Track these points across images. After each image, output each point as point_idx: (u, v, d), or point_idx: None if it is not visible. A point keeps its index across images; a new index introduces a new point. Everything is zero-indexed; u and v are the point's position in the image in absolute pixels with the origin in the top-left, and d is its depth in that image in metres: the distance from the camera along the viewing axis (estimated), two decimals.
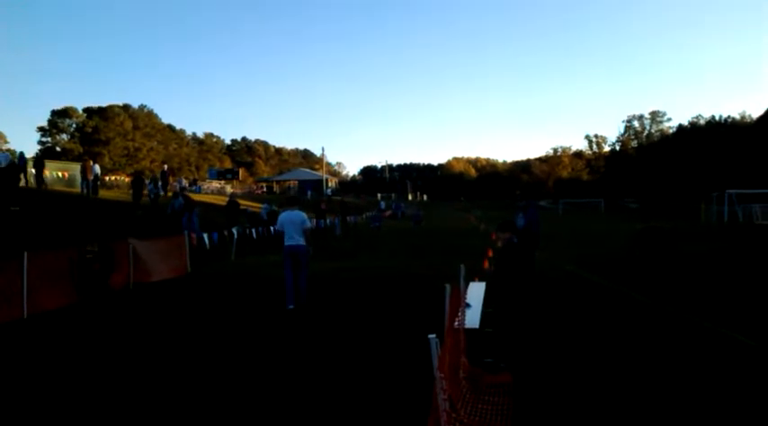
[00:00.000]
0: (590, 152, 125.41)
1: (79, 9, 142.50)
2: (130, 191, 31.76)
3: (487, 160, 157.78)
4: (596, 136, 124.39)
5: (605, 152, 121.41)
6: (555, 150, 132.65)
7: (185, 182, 33.17)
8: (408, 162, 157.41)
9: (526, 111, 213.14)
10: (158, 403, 6.12)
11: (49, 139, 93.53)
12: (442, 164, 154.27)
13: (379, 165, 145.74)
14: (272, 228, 26.78)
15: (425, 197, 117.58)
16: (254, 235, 25.73)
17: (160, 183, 34.91)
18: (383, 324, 9.65)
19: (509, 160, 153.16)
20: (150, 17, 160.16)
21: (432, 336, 3.35)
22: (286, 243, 11.22)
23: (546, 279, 13.66)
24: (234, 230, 22.80)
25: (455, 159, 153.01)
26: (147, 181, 24.06)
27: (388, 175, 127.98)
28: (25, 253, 11.20)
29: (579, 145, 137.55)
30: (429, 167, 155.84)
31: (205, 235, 20.44)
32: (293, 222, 11.32)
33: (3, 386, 6.85)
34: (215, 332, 9.43)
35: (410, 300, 11.79)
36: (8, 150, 79.79)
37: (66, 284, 12.25)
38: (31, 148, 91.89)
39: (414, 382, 6.24)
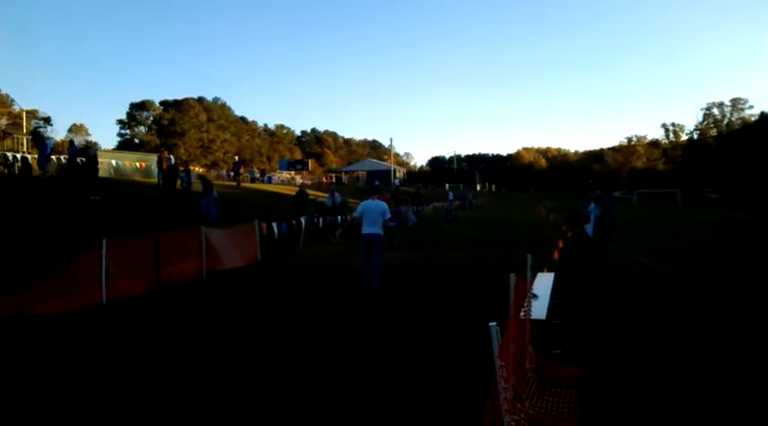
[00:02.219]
0: (666, 141, 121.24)
1: (155, 6, 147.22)
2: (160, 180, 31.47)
3: (558, 150, 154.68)
4: (673, 124, 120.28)
5: (683, 141, 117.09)
6: (629, 139, 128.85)
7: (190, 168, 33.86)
8: (477, 152, 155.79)
9: (599, 100, 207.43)
10: (235, 386, 6.27)
11: (128, 132, 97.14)
12: (511, 153, 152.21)
13: (447, 156, 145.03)
14: (339, 217, 27.09)
15: (494, 187, 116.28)
16: (321, 224, 26.04)
17: (233, 173, 35.83)
18: (450, 313, 9.66)
19: (580, 150, 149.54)
20: (224, 12, 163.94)
21: (492, 324, 3.30)
22: (364, 231, 11.43)
23: (618, 272, 13.29)
24: (302, 219, 23.12)
25: (525, 149, 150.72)
26: (180, 170, 24.51)
27: (456, 165, 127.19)
28: (104, 240, 11.66)
29: (654, 134, 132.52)
30: (498, 157, 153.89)
31: (274, 225, 20.79)
32: (374, 211, 11.54)
33: (77, 365, 7.17)
34: (289, 318, 9.61)
35: (476, 290, 11.74)
36: (88, 142, 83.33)
37: (142, 271, 12.69)
38: (111, 140, 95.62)
39: (475, 370, 6.18)
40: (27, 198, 18.96)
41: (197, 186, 26.78)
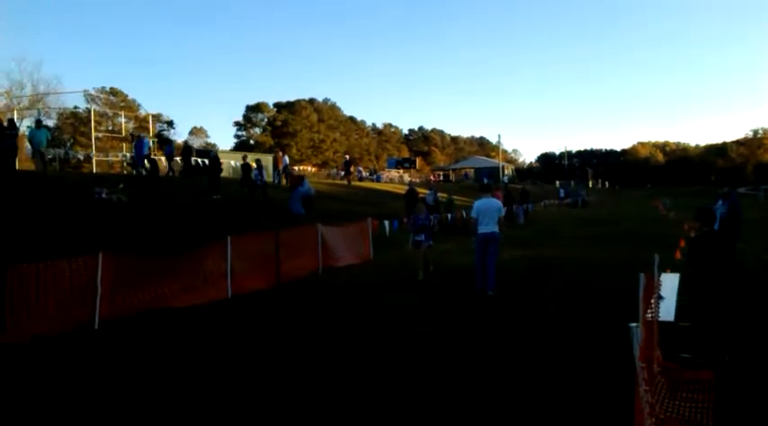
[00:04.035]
0: None
1: (268, 11, 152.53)
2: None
3: (677, 144, 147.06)
4: None
5: None
6: (755, 132, 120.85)
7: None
8: (589, 147, 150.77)
9: (721, 91, 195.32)
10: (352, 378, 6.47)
11: (244, 133, 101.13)
12: (625, 149, 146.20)
13: (558, 152, 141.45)
14: (448, 216, 27.08)
15: (607, 183, 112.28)
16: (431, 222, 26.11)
17: (343, 172, 36.62)
18: (567, 312, 9.47)
19: (701, 143, 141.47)
20: (333, 16, 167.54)
21: (633, 325, 3.24)
22: (481, 230, 11.43)
23: (747, 272, 12.55)
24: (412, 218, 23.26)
25: (640, 143, 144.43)
26: (253, 168, 24.92)
27: (566, 162, 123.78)
28: (229, 238, 12.27)
29: None
30: (611, 153, 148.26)
31: (386, 222, 21.08)
32: (489, 210, 11.54)
33: (202, 355, 7.62)
34: (409, 317, 9.75)
35: (593, 289, 11.45)
36: (208, 144, 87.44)
37: (264, 268, 13.25)
38: (228, 142, 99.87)
39: (608, 371, 6.07)
40: (155, 197, 20.15)
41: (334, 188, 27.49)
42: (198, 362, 7.40)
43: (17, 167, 22.54)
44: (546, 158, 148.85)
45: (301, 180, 25.04)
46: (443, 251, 18.98)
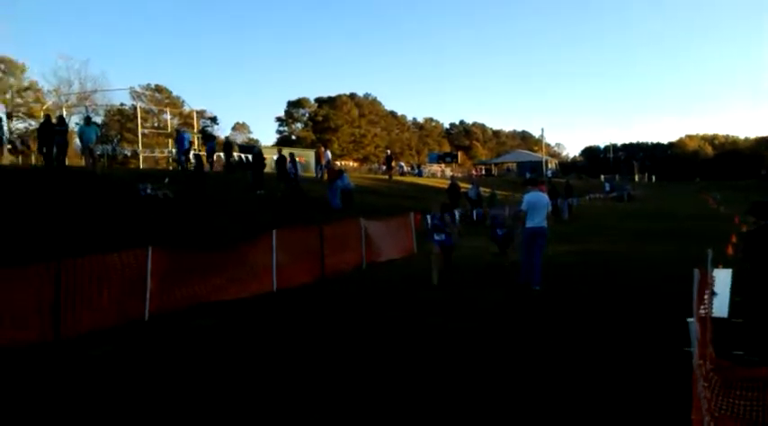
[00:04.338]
0: None
1: (308, 7, 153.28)
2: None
3: (726, 137, 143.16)
4: None
5: None
6: None
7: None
8: (634, 141, 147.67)
9: None
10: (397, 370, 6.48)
11: (286, 129, 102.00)
12: (672, 142, 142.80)
13: (602, 145, 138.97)
14: (490, 211, 26.86)
15: (653, 177, 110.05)
16: (475, 216, 26.00)
17: (384, 167, 36.71)
18: (616, 308, 9.33)
19: (751, 136, 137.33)
20: (374, 10, 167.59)
21: (691, 320, 3.17)
22: (530, 224, 11.29)
23: None
24: (456, 212, 23.19)
25: (688, 136, 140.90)
26: (287, 161, 24.84)
27: (611, 155, 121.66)
28: (274, 232, 12.40)
29: None
30: (658, 146, 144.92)
31: (428, 217, 21.02)
32: (539, 204, 11.42)
33: (247, 347, 7.72)
34: (455, 312, 9.74)
35: (642, 285, 11.25)
36: (251, 140, 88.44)
37: (309, 261, 13.35)
38: (270, 137, 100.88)
39: (660, 367, 5.96)
40: (200, 193, 20.46)
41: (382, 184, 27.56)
42: (243, 355, 7.51)
43: (67, 163, 23.13)
44: (590, 152, 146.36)
45: (340, 174, 25.10)
46: (489, 245, 18.87)
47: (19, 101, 61.34)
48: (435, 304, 10.26)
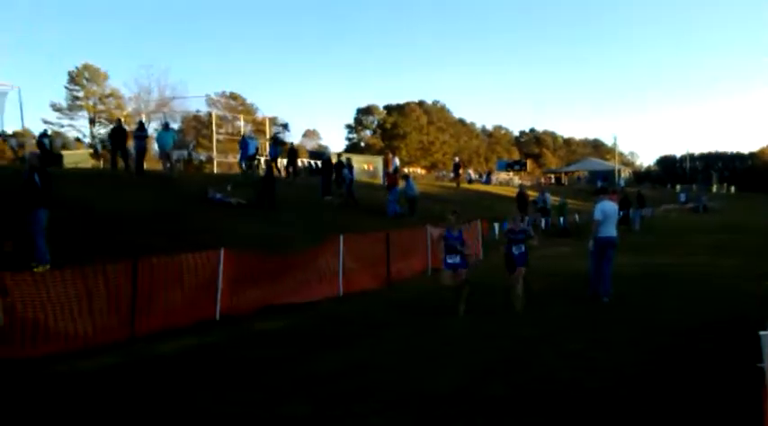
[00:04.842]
0: None
1: (377, 16, 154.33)
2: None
3: None
4: None
5: None
6: None
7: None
8: (713, 150, 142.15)
9: None
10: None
11: (355, 135, 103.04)
12: (753, 151, 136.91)
13: (678, 155, 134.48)
14: (560, 219, 26.49)
15: (732, 188, 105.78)
16: (543, 225, 25.66)
17: (452, 174, 36.54)
18: (688, 321, 9.03)
19: None
20: (443, 17, 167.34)
21: (764, 333, 3.06)
22: (602, 234, 11.09)
23: None
24: (527, 219, 22.96)
25: None
26: (343, 166, 24.71)
27: (688, 165, 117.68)
28: (341, 237, 12.58)
29: None
30: (738, 156, 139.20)
31: (495, 224, 20.91)
32: (612, 213, 11.26)
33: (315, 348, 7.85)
34: (511, 320, 9.65)
35: (716, 298, 10.87)
36: (320, 146, 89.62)
37: (374, 267, 13.48)
38: (340, 144, 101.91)
39: (732, 380, 5.75)
40: (268, 198, 20.84)
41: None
42: (307, 355, 7.64)
43: (145, 167, 24.03)
44: (666, 161, 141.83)
45: (405, 178, 25.03)
46: (559, 254, 18.63)
47: (101, 107, 64.23)
48: (501, 313, 10.17)
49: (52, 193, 10.65)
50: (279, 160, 31.97)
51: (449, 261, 10.18)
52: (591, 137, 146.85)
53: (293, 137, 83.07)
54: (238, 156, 30.88)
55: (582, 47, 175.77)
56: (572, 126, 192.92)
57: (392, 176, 25.61)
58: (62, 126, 63.46)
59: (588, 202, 19.97)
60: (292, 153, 33.32)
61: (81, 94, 64.51)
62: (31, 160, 11.31)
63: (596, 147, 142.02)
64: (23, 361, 7.22)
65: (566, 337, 8.43)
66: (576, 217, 26.96)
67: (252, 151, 28.67)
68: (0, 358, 7.00)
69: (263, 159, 30.00)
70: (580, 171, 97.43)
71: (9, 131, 39.90)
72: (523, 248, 10.75)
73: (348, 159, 26.14)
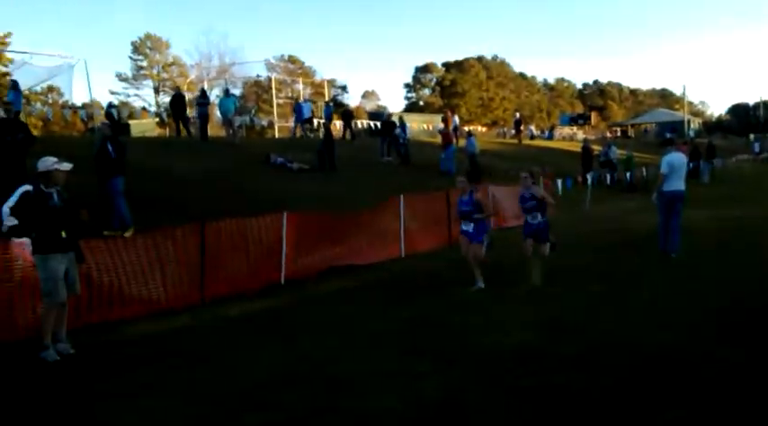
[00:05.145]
0: None
1: None
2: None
3: None
4: None
5: None
6: None
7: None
8: None
9: None
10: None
11: (413, 95, 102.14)
12: None
13: (752, 103, 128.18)
14: (627, 174, 25.77)
15: None
16: (609, 180, 25.03)
17: (513, 131, 35.97)
18: (763, 276, 8.72)
19: None
20: None
21: None
22: (668, 187, 10.71)
23: None
24: (588, 176, 22.47)
25: None
26: (397, 126, 24.24)
27: (762, 112, 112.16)
28: (401, 197, 12.59)
29: None
30: None
31: (558, 181, 20.49)
32: (679, 166, 10.83)
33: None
34: (582, 275, 9.53)
35: None
36: (380, 106, 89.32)
37: (435, 228, 13.47)
38: (399, 104, 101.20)
39: None
40: (328, 161, 20.97)
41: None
42: (372, 315, 7.76)
43: (209, 133, 24.50)
44: (738, 109, 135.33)
45: (449, 139, 24.64)
46: (625, 209, 18.24)
47: (165, 75, 65.55)
48: (569, 270, 10.04)
49: (125, 161, 11.07)
50: (334, 122, 32.09)
51: (463, 227, 9.25)
52: (658, 87, 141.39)
53: (352, 99, 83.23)
54: (292, 121, 31.17)
55: None
56: (638, 76, 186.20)
57: (446, 134, 25.23)
58: (128, 96, 65.20)
59: (657, 155, 19.35)
60: (347, 114, 33.36)
61: (144, 64, 65.92)
62: (102, 130, 11.91)
63: (664, 98, 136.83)
64: (100, 325, 7.58)
65: (635, 294, 8.27)
66: (644, 171, 26.09)
67: (307, 114, 28.87)
68: (79, 323, 7.35)
69: (320, 122, 30.12)
70: (647, 123, 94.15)
71: (78, 103, 41.42)
72: (540, 218, 9.11)
73: (401, 118, 25.98)
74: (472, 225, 9.04)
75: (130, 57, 66.00)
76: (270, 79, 51.77)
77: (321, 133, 25.60)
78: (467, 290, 8.86)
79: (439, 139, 26.18)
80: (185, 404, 5.07)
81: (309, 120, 29.35)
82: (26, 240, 6.69)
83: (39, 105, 48.22)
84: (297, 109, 29.66)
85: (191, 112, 28.38)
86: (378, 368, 5.69)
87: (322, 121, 29.17)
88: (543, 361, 5.65)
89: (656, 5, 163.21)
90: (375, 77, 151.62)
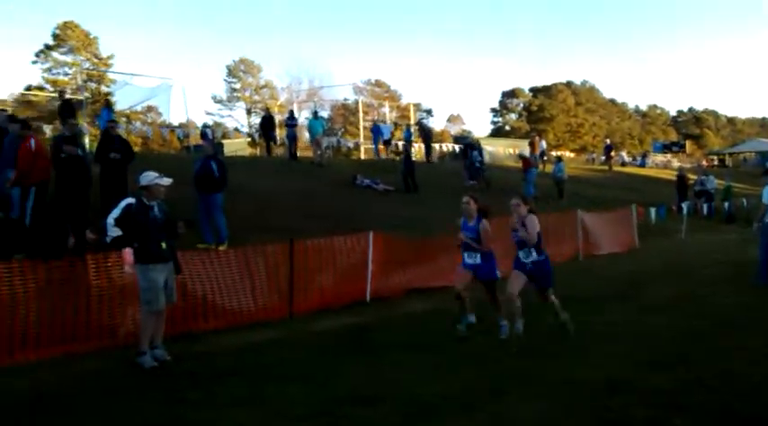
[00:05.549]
0: None
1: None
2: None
3: None
4: None
5: None
6: None
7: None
8: None
9: None
10: None
11: (500, 119, 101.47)
12: None
13: None
14: (725, 204, 24.66)
15: None
16: (706, 210, 24.00)
17: (603, 157, 34.99)
18: None
19: None
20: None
21: None
22: None
23: None
24: (683, 206, 21.67)
25: None
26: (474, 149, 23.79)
27: None
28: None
29: None
30: None
31: (652, 210, 19.80)
32: None
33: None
34: (665, 308, 9.14)
35: None
36: (464, 131, 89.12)
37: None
38: (485, 129, 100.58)
39: None
40: (411, 183, 21.02)
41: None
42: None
43: (297, 154, 25.07)
44: None
45: (530, 164, 24.17)
46: (724, 240, 17.45)
47: (257, 97, 67.91)
48: (653, 298, 9.64)
49: (226, 178, 11.52)
50: (414, 144, 32.31)
51: (467, 260, 7.88)
52: (759, 115, 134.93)
53: (437, 123, 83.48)
54: (372, 143, 31.69)
55: (744, 17, 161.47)
56: (736, 104, 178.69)
57: (526, 159, 24.89)
58: (222, 116, 67.92)
59: (756, 186, 18.42)
60: (427, 136, 33.55)
61: (238, 86, 68.59)
62: (206, 150, 12.64)
63: (764, 127, 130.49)
64: (192, 334, 7.83)
65: (739, 330, 7.81)
66: (744, 201, 24.83)
67: (387, 135, 29.31)
68: (173, 332, 7.61)
69: (399, 144, 30.42)
70: (746, 152, 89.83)
71: (175, 123, 43.36)
72: (535, 255, 7.36)
73: (477, 141, 25.91)
74: (478, 256, 7.76)
75: (225, 80, 68.86)
76: (357, 102, 52.67)
77: (402, 155, 25.89)
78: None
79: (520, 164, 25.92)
80: (276, 418, 5.12)
81: (388, 142, 29.77)
82: (129, 249, 6.99)
83: (138, 124, 50.91)
84: (374, 130, 30.23)
85: (280, 134, 29.23)
86: (464, 393, 5.59)
87: (402, 143, 29.46)
88: (636, 395, 5.38)
89: (754, 35, 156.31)
90: (461, 101, 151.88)
